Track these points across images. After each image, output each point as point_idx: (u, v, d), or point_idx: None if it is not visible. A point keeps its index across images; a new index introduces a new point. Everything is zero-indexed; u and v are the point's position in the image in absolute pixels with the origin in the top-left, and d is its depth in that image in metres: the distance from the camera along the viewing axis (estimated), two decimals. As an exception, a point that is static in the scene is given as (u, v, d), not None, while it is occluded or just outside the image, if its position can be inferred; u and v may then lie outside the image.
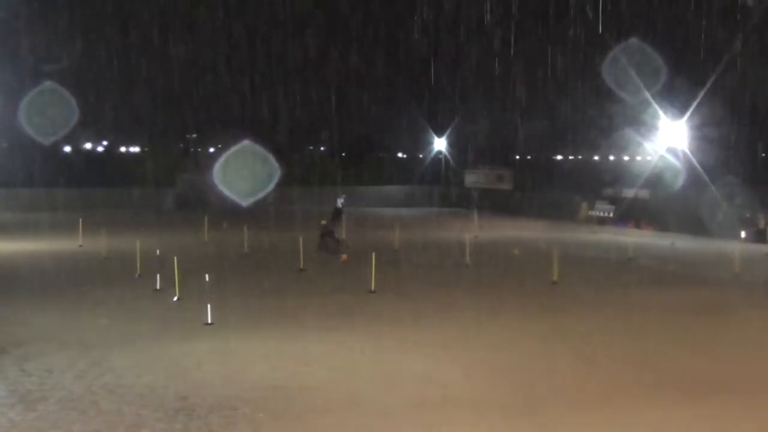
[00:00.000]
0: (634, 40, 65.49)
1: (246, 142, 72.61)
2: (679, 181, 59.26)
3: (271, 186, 68.03)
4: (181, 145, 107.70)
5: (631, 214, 60.39)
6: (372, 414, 16.22)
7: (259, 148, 72.44)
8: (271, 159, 71.54)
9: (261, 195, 63.68)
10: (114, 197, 75.14)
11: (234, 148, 71.65)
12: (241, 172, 68.83)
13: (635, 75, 61.98)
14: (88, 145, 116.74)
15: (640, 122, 66.10)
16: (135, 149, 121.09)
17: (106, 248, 41.17)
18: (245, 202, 59.66)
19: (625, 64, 63.49)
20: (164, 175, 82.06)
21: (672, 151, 61.64)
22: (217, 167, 70.30)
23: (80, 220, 47.57)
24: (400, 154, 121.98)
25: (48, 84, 74.01)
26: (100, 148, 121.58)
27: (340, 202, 61.23)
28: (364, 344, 22.26)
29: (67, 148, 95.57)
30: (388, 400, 17.10)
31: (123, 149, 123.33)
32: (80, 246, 44.35)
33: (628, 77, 62.91)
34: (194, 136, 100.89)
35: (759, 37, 68.54)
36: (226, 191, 63.70)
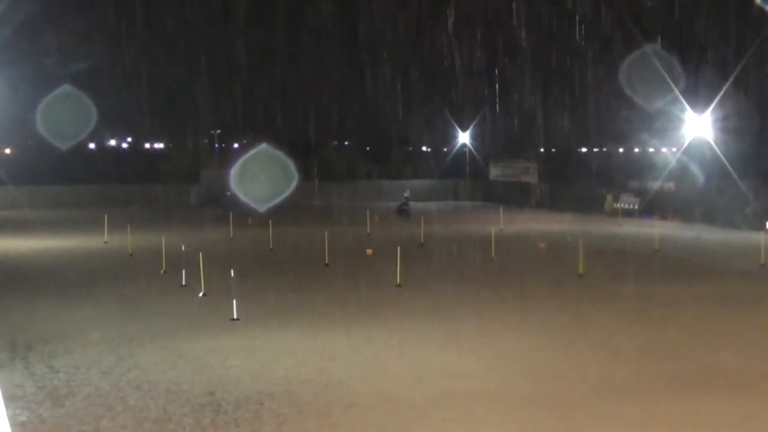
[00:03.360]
0: (657, 38, 65.38)
1: (263, 146, 72.30)
2: (704, 173, 59.01)
3: (289, 191, 67.77)
4: (205, 141, 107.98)
5: (656, 206, 60.12)
6: (398, 408, 16.21)
7: (276, 152, 72.22)
8: (289, 163, 71.39)
9: (278, 200, 63.20)
10: (138, 193, 75.42)
11: (251, 152, 71.30)
12: (257, 177, 68.54)
13: (660, 68, 61.73)
14: (112, 142, 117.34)
15: (664, 115, 65.83)
16: (159, 145, 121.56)
17: (131, 245, 41.35)
18: (262, 208, 59.21)
19: (650, 58, 63.26)
20: (189, 172, 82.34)
21: (697, 143, 61.36)
22: (234, 172, 69.97)
23: (105, 216, 47.80)
24: (424, 148, 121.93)
25: (68, 87, 74.38)
26: (124, 145, 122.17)
27: (406, 194, 62.53)
28: (390, 339, 22.25)
29: (92, 145, 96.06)
30: (414, 394, 17.09)
31: (147, 145, 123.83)
32: (105, 243, 44.57)
33: (652, 71, 62.67)
34: (218, 131, 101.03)
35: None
36: (244, 196, 63.38)
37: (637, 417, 15.74)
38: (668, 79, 60.85)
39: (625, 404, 16.45)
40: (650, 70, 63.39)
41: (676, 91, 60.51)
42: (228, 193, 62.90)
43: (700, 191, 58.25)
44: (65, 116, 76.25)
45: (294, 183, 69.60)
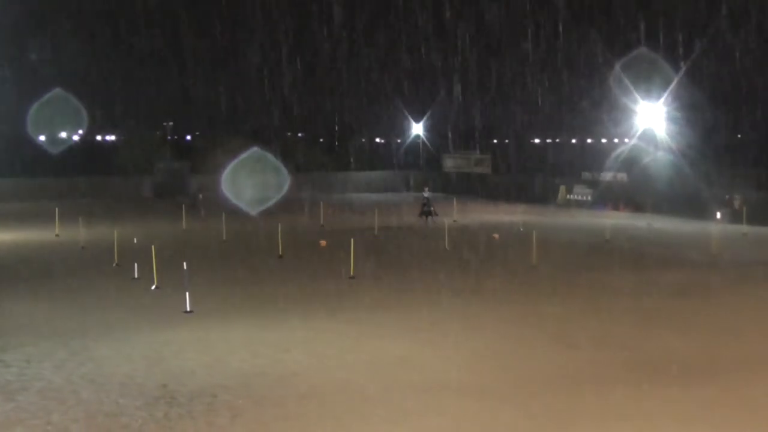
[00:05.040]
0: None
1: (255, 149, 71.89)
2: (656, 163, 59.47)
3: (281, 194, 67.30)
4: (158, 132, 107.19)
5: (609, 196, 60.54)
6: (353, 399, 16.20)
7: (267, 154, 72.05)
8: (283, 168, 71.30)
9: (270, 203, 62.35)
10: (91, 186, 74.59)
11: (243, 155, 70.62)
12: (249, 180, 68.11)
13: (613, 59, 62.19)
14: (63, 134, 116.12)
15: (617, 105, 66.28)
16: (111, 137, 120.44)
17: (83, 238, 40.94)
18: (254, 210, 57.90)
19: (601, 48, 63.77)
20: (142, 164, 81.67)
21: (649, 133, 61.80)
22: (227, 174, 69.18)
23: (56, 209, 47.28)
24: (377, 140, 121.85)
25: (59, 90, 74.14)
26: (75, 137, 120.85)
27: (426, 192, 60.92)
28: (345, 330, 22.25)
29: (42, 137, 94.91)
30: (369, 385, 17.09)
31: (99, 138, 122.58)
32: (57, 236, 44.08)
33: (604, 60, 63.14)
34: (170, 123, 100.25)
35: (740, 21, 68.81)
36: (236, 200, 62.37)
37: (591, 406, 15.85)
38: (620, 69, 61.31)
39: (579, 394, 16.56)
40: (602, 59, 63.85)
41: (628, 82, 60.92)
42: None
43: (652, 181, 58.62)
44: (51, 118, 75.98)
45: (286, 185, 69.33)
